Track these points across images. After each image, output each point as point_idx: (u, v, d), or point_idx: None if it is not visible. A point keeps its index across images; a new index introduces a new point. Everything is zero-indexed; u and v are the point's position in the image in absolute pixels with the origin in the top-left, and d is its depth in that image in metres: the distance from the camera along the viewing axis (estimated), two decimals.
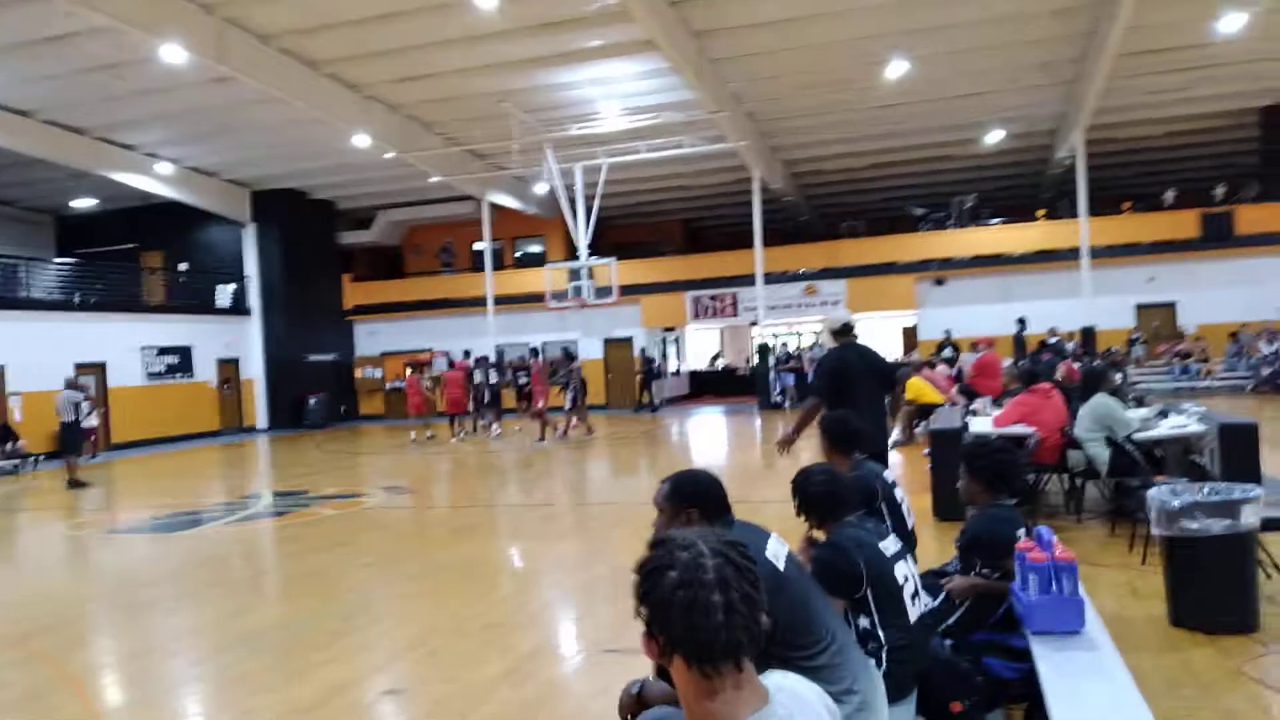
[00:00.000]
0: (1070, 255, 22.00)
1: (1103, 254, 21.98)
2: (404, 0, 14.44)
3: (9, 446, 17.88)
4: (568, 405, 19.04)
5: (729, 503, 2.88)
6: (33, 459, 18.19)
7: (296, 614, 6.71)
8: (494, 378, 20.78)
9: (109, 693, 5.39)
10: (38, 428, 18.39)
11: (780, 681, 1.57)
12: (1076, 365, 13.65)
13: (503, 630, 5.98)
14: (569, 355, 20.17)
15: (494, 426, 20.46)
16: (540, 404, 18.78)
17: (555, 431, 18.82)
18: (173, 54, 14.66)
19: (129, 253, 26.20)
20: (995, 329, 20.50)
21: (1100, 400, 7.51)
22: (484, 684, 4.89)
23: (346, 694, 4.94)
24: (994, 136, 22.45)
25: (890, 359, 7.99)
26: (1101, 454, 7.39)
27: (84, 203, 25.69)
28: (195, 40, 14.48)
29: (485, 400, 20.46)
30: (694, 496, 2.84)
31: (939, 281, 24.21)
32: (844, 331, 6.51)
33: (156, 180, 22.37)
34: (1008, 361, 14.83)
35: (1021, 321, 20.12)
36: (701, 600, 1.41)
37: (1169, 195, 23.71)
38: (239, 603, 7.21)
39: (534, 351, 19.18)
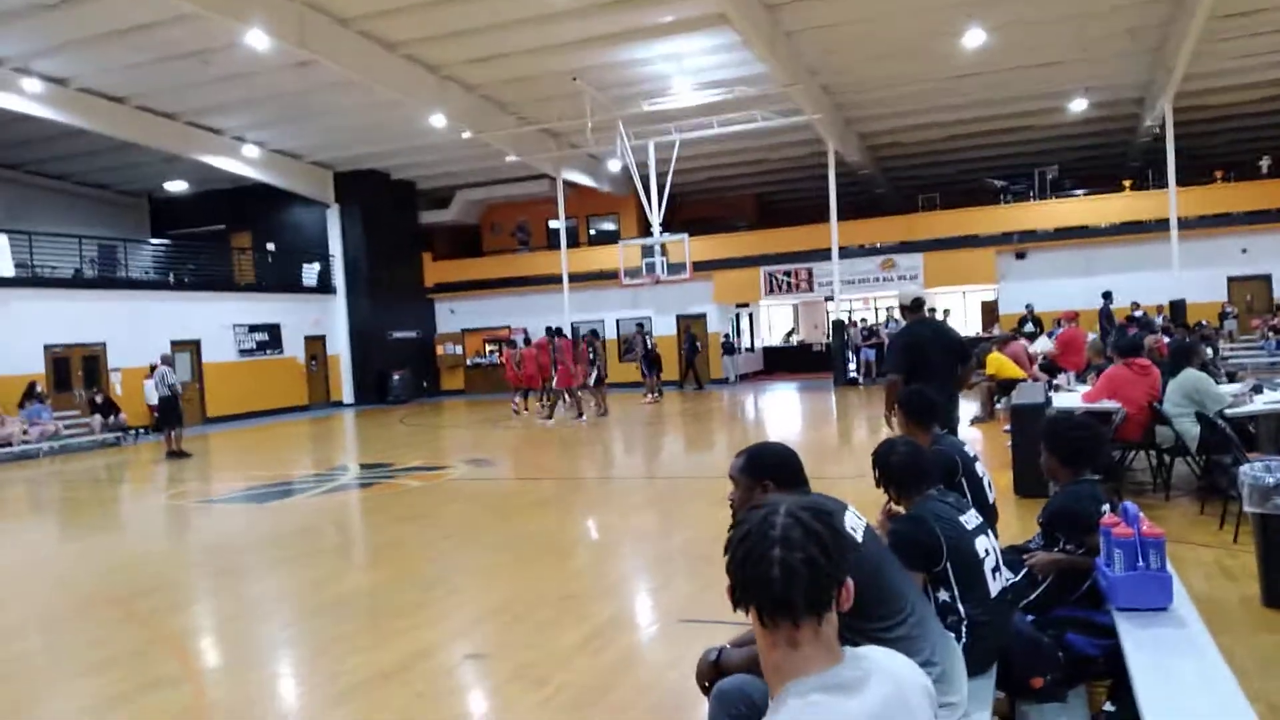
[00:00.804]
0: (1158, 227, 21.19)
1: (1193, 225, 21.15)
2: None
3: (111, 419, 18.77)
4: (591, 382, 18.97)
5: (805, 475, 2.89)
6: (134, 432, 19.07)
7: (381, 581, 6.95)
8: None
9: (205, 653, 5.65)
10: (138, 402, 19.25)
11: (866, 651, 1.59)
12: (1165, 340, 13.19)
13: (581, 600, 6.09)
14: (594, 334, 20.20)
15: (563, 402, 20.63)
16: (562, 381, 18.50)
17: (574, 409, 18.76)
18: (257, 39, 15.08)
19: (219, 234, 27.17)
20: (1079, 303, 19.91)
21: (1190, 374, 7.27)
22: (563, 651, 5.00)
23: (431, 658, 5.12)
24: (1077, 106, 21.68)
25: (965, 335, 7.87)
26: (1191, 430, 7.16)
27: (175, 186, 26.67)
28: (278, 25, 14.86)
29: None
30: (769, 469, 2.85)
31: (1020, 255, 23.60)
32: (915, 308, 6.49)
33: (244, 163, 23.10)
34: (1092, 336, 14.42)
35: (1107, 295, 19.50)
36: (757, 554, 1.48)
37: (1263, 163, 22.63)
38: (327, 570, 7.49)
39: (556, 331, 19.05)
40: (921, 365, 6.15)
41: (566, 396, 19.00)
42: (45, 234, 20.49)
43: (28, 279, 18.81)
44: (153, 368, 16.90)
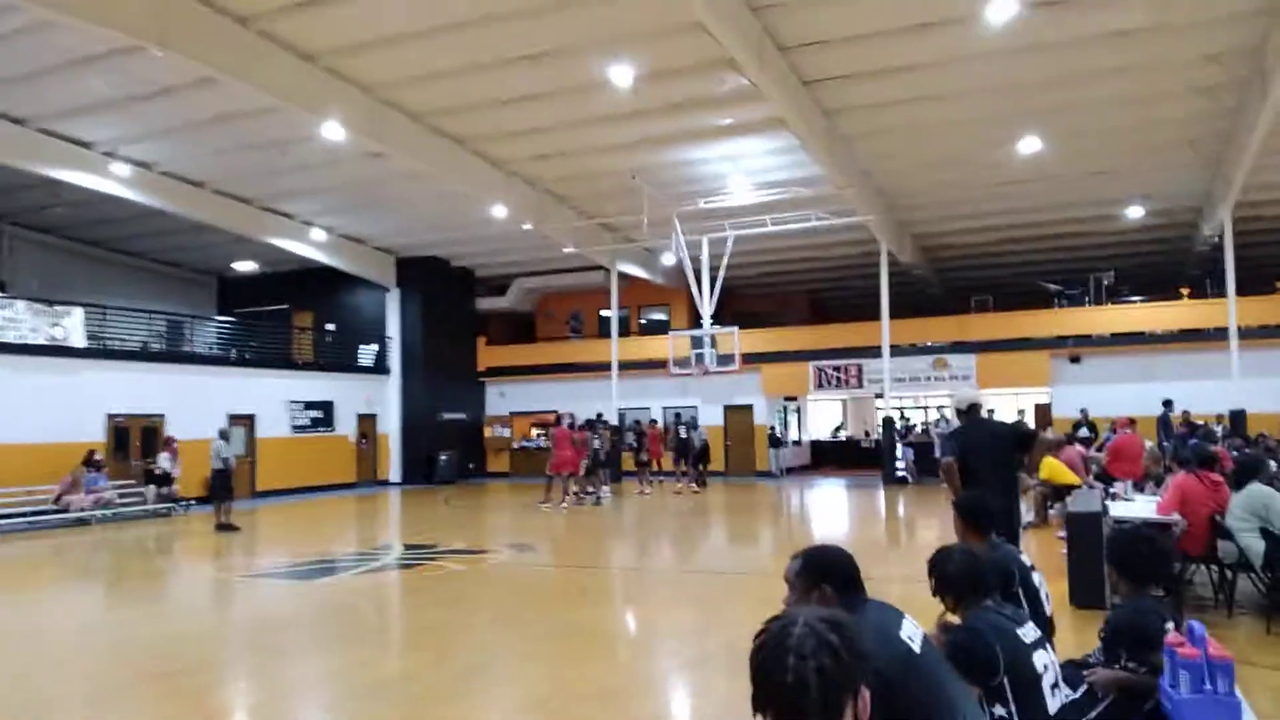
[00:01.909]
0: (1218, 335, 20.86)
1: (1254, 335, 20.78)
2: (545, 82, 15.11)
3: (164, 490, 19.12)
4: (581, 471, 19.45)
5: (861, 580, 2.86)
6: (185, 503, 19.38)
7: (423, 666, 6.91)
8: (597, 442, 20.74)
9: None
10: (192, 473, 19.62)
11: None
12: (1231, 451, 12.85)
13: (621, 697, 6.00)
14: (590, 423, 20.84)
15: (604, 490, 20.69)
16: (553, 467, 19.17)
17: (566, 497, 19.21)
18: (333, 131, 15.80)
19: (282, 313, 27.98)
20: (1134, 409, 19.52)
21: (1258, 489, 7.09)
22: None
23: None
24: (1134, 213, 21.67)
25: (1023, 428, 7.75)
26: (1256, 545, 6.95)
27: (244, 265, 27.67)
28: (353, 118, 15.57)
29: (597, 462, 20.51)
30: (827, 573, 2.81)
31: (1075, 359, 23.32)
32: (970, 411, 6.47)
33: (311, 246, 23.94)
34: (1150, 444, 14.09)
35: (1168, 403, 19.12)
36: (772, 662, 1.53)
37: None
38: (369, 652, 7.48)
39: (556, 420, 19.74)
40: (975, 466, 6.11)
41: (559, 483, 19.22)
42: (117, 308, 21.28)
43: (98, 350, 19.49)
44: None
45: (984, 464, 6.14)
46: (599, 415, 23.59)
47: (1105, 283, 24.44)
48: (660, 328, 28.40)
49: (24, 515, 16.88)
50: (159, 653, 7.45)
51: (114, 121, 16.76)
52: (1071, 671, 3.73)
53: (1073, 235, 23.87)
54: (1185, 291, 23.55)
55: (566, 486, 19.40)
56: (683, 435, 22.73)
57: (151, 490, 18.97)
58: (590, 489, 20.31)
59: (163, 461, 19.18)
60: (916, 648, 2.64)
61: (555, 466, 19.13)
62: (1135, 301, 24.03)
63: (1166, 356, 22.24)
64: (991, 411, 22.85)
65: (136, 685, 6.55)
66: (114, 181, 18.58)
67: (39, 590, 11.35)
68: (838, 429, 33.39)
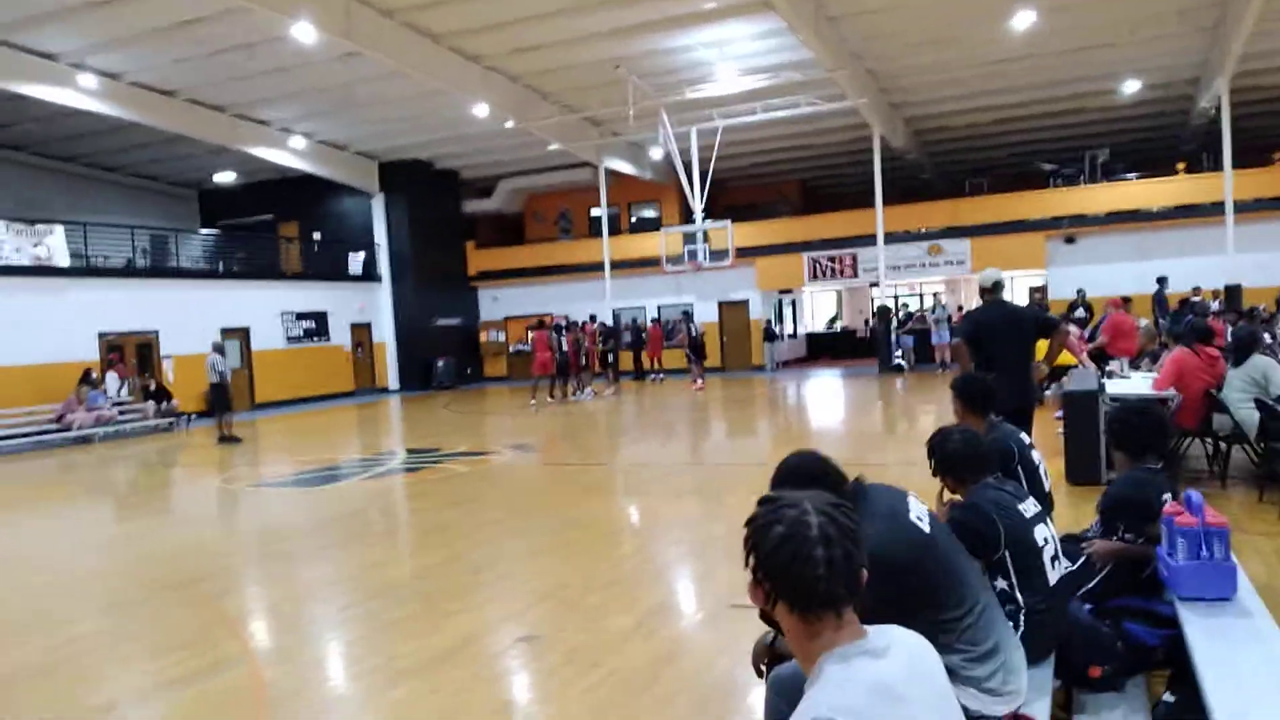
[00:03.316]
0: (1213, 210, 20.68)
1: (1249, 208, 20.61)
2: None
3: (164, 405, 19.19)
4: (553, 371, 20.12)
5: (843, 474, 2.79)
6: (186, 417, 19.49)
7: (433, 565, 7.04)
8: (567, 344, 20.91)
9: (263, 636, 5.77)
10: (190, 388, 19.67)
11: (886, 628, 1.71)
12: (1225, 325, 12.89)
13: (628, 586, 6.14)
14: (559, 326, 21.07)
15: (587, 390, 21.03)
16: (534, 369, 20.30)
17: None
18: (303, 32, 15.25)
19: (267, 224, 27.59)
20: (1131, 287, 19.51)
21: (1259, 360, 7.13)
22: (614, 636, 5.05)
23: (484, 641, 5.20)
24: (1129, 88, 21.18)
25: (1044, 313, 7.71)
26: (1251, 417, 7.02)
27: (224, 177, 27.10)
28: (324, 18, 15.00)
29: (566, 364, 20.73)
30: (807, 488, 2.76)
31: (1070, 239, 23.18)
32: (993, 290, 6.45)
33: (290, 154, 23.42)
34: (1144, 322, 14.11)
35: (1162, 280, 19.10)
36: (804, 554, 1.57)
37: None
38: (379, 554, 7.61)
39: (538, 323, 20.22)
40: (989, 346, 6.13)
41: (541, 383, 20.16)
42: (99, 224, 20.95)
43: (83, 269, 19.26)
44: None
45: (998, 346, 6.13)
46: (592, 316, 23.54)
47: (1100, 160, 24.11)
48: (651, 225, 28.09)
49: (27, 435, 16.99)
50: (172, 563, 7.58)
51: (76, 30, 16.14)
52: (1070, 545, 3.79)
53: (1068, 113, 23.40)
54: (1181, 167, 23.25)
55: (551, 387, 20.13)
56: (694, 333, 22.86)
57: (151, 406, 19.04)
58: (575, 389, 20.72)
59: (110, 383, 18.79)
60: (926, 528, 2.66)
61: (537, 368, 20.18)
62: (1130, 179, 23.73)
63: (1162, 234, 22.11)
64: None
65: (153, 595, 6.67)
66: (82, 94, 18.02)
67: (50, 508, 11.49)
68: (833, 320, 33.42)
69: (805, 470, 2.74)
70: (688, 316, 23.76)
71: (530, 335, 24.03)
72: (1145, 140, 25.91)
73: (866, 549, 2.48)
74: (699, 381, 22.20)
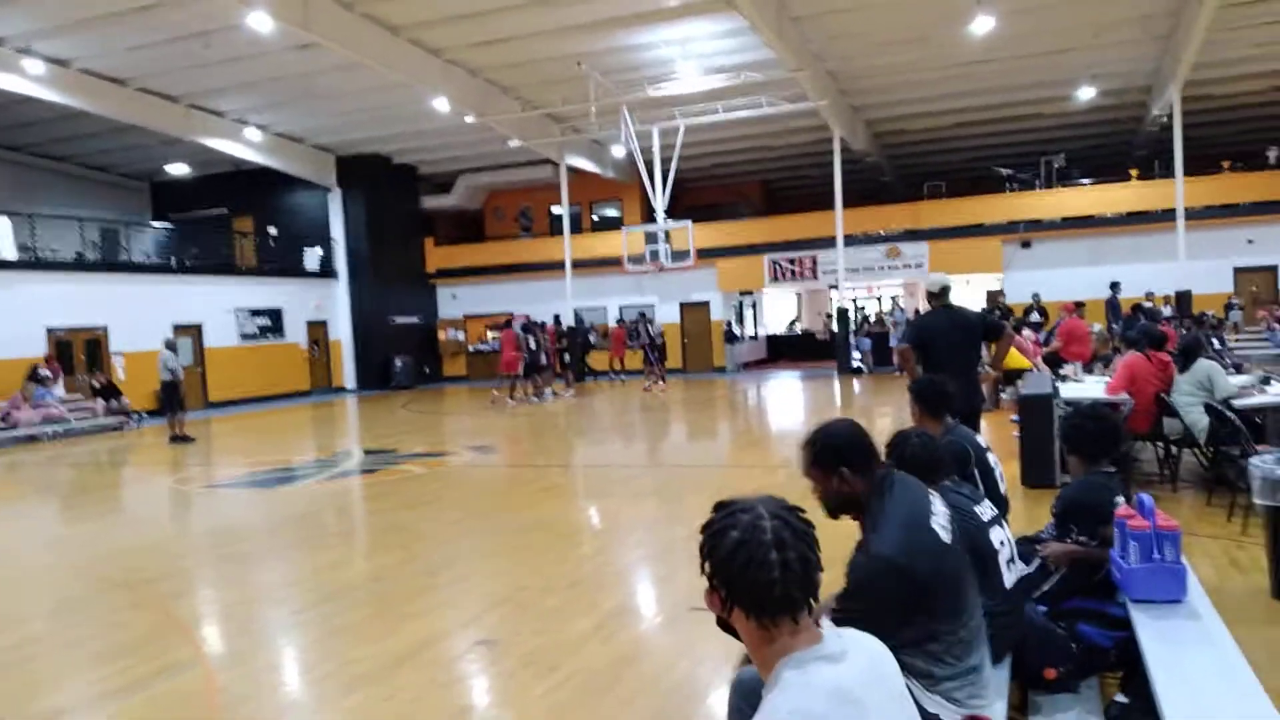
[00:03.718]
0: (1165, 217, 21.15)
1: (1199, 215, 21.10)
2: None
3: (114, 404, 18.77)
4: (520, 371, 20.15)
5: (876, 451, 2.75)
6: (137, 416, 19.08)
7: (389, 567, 6.95)
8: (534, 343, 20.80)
9: (216, 639, 5.65)
10: (141, 386, 19.26)
11: (841, 630, 1.72)
12: (1175, 330, 13.18)
13: (587, 588, 6.11)
14: (525, 326, 20.77)
15: (546, 391, 20.92)
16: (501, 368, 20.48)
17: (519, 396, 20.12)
18: (259, 21, 15.01)
19: (220, 218, 27.09)
20: (1085, 292, 19.90)
21: (1204, 364, 7.29)
22: (573, 638, 5.01)
23: (442, 644, 5.13)
24: (1085, 94, 21.60)
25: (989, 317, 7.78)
26: (1200, 421, 7.17)
27: (177, 169, 26.59)
28: (280, 7, 14.78)
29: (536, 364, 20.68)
30: (840, 456, 2.67)
31: (1025, 244, 23.56)
32: (940, 295, 6.48)
33: (245, 146, 23.03)
34: (1097, 327, 14.39)
35: (1115, 286, 19.49)
36: (758, 559, 1.57)
37: (1271, 154, 22.57)
38: (334, 556, 7.50)
39: (505, 323, 20.81)
40: (935, 351, 6.16)
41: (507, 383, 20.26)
42: (47, 216, 20.43)
43: (30, 262, 18.77)
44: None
45: (942, 350, 6.17)
46: (556, 317, 23.49)
47: (1056, 166, 24.53)
48: (613, 224, 28.04)
49: None
50: (123, 564, 7.41)
51: (24, 13, 15.71)
52: (1025, 547, 3.83)
53: (1025, 118, 23.79)
54: (1134, 173, 23.74)
55: (512, 388, 20.11)
56: (652, 334, 22.83)
57: (100, 404, 18.61)
58: (535, 390, 20.59)
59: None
60: (946, 536, 2.64)
61: (502, 367, 20.18)
62: (1085, 184, 24.18)
63: (1116, 239, 22.55)
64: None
65: (103, 595, 6.52)
66: (29, 80, 17.55)
67: None
68: (793, 322, 33.63)
69: (848, 439, 2.71)
70: (644, 317, 23.69)
71: (496, 334, 23.90)
72: (1099, 146, 26.41)
73: (884, 551, 2.48)
74: (661, 383, 22.19)
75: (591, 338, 25.53)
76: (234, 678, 4.78)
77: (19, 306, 18.13)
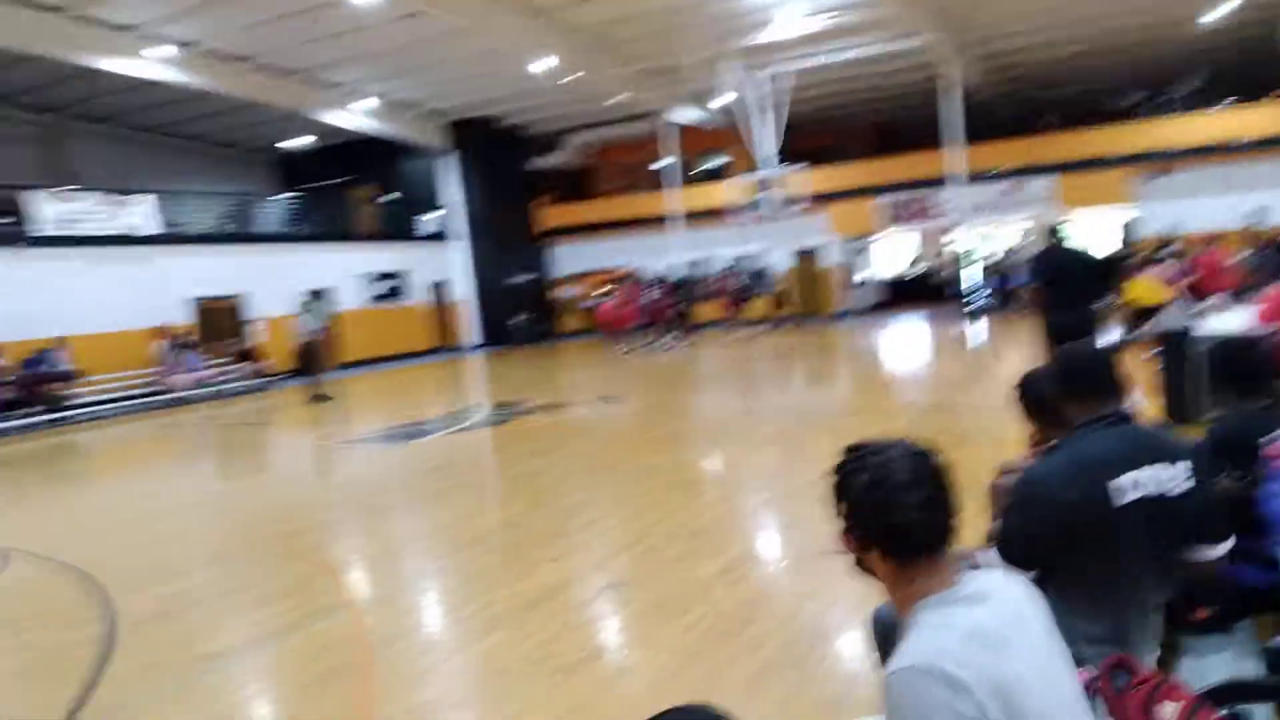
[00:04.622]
0: None
1: None
2: None
3: (256, 366, 19.86)
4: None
5: (1115, 383, 2.67)
6: (280, 377, 20.14)
7: (520, 515, 7.21)
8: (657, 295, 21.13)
9: (363, 585, 5.99)
10: (279, 350, 20.31)
11: (979, 573, 1.70)
12: None
13: (714, 534, 6.19)
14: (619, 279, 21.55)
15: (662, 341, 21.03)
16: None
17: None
18: None
19: (343, 186, 28.04)
20: (1225, 222, 18.64)
21: None
22: (702, 582, 5.11)
23: (574, 588, 5.31)
24: (1224, 7, 19.92)
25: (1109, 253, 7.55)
26: None
27: (300, 141, 27.57)
28: None
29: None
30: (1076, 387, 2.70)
31: (1161, 173, 22.14)
32: (1054, 233, 6.36)
33: (359, 116, 23.65)
34: (1243, 254, 13.51)
35: (1259, 213, 18.18)
36: (895, 498, 1.59)
37: None
38: (470, 505, 7.81)
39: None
40: (1060, 287, 6.05)
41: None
42: (184, 192, 21.57)
43: (174, 235, 19.92)
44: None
45: (1068, 288, 6.04)
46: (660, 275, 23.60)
47: (1189, 90, 22.86)
48: (719, 175, 27.71)
49: (132, 399, 17.75)
50: (275, 516, 7.91)
51: (147, 2, 16.48)
52: None
53: (1153, 42, 22.18)
54: (1276, 94, 21.90)
55: (635, 339, 20.59)
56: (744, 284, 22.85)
57: (247, 367, 19.72)
58: (649, 340, 20.92)
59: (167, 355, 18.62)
60: (1122, 498, 2.42)
61: (623, 320, 20.84)
62: (1220, 108, 22.48)
63: (1257, 165, 20.98)
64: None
65: (257, 546, 6.98)
66: (158, 65, 18.42)
67: (159, 465, 12.06)
68: (914, 263, 32.68)
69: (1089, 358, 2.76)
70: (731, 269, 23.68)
71: (613, 288, 24.16)
72: (1238, 67, 24.46)
73: (1036, 473, 2.50)
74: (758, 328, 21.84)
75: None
76: (380, 619, 5.07)
77: (164, 278, 19.30)
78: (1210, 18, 20.01)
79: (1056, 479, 2.45)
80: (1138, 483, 2.43)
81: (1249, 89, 22.84)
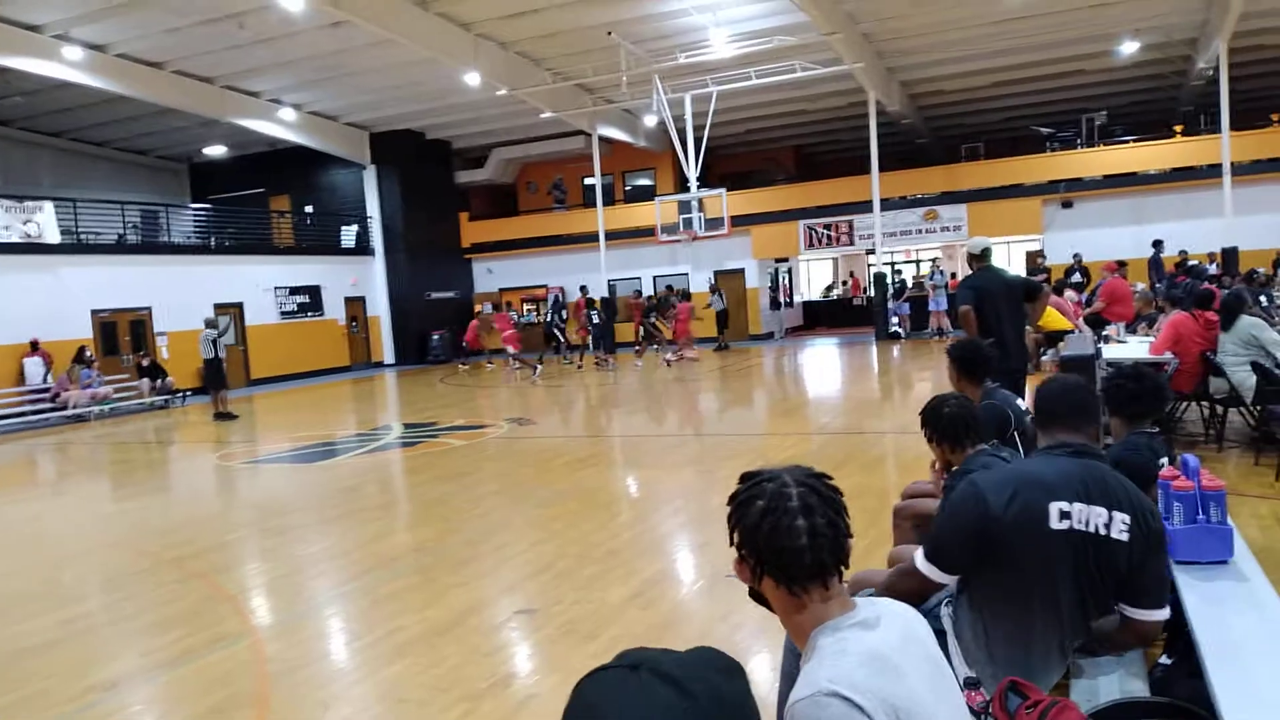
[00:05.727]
0: (1210, 173, 20.58)
1: (1246, 170, 20.49)
2: None
3: (159, 383, 19.14)
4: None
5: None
6: (181, 394, 19.45)
7: (430, 539, 7.05)
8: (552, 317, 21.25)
9: (264, 610, 5.78)
10: (184, 365, 19.62)
11: (873, 599, 1.72)
12: (1220, 289, 12.86)
13: (625, 556, 6.15)
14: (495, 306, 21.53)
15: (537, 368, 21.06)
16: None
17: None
18: (291, 0, 15.04)
19: (258, 197, 27.36)
20: (1129, 252, 19.48)
21: (1247, 320, 7.13)
22: (612, 606, 5.06)
23: (483, 613, 5.20)
24: (1127, 48, 20.96)
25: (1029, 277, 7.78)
26: (1247, 380, 7.02)
27: (214, 150, 26.84)
28: None
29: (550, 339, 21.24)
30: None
31: (1067, 204, 23.08)
32: (982, 257, 6.51)
33: (280, 125, 23.18)
34: (1140, 286, 14.10)
35: (1158, 244, 19.04)
36: (785, 526, 1.57)
37: None
38: (377, 528, 7.61)
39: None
40: (988, 313, 6.19)
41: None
42: (88, 200, 20.76)
43: (74, 246, 19.11)
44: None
45: (994, 311, 6.21)
46: (582, 288, 23.45)
47: (1097, 124, 23.96)
48: (646, 194, 27.90)
49: (22, 415, 16.95)
50: (171, 539, 7.58)
51: (61, 1, 15.89)
52: None
53: (1065, 76, 23.20)
54: (1178, 129, 23.11)
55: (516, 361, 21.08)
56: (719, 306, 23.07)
57: (146, 383, 18.99)
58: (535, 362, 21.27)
59: (32, 368, 17.63)
60: (1057, 524, 2.48)
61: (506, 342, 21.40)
62: (1127, 142, 23.59)
63: (1159, 197, 22.02)
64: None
65: (152, 571, 6.68)
66: (67, 66, 17.76)
67: (49, 485, 11.49)
68: (830, 289, 33.34)
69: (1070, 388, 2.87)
70: (670, 289, 23.75)
71: (488, 313, 24.34)
72: (1143, 103, 25.74)
73: (979, 482, 2.51)
74: (683, 353, 21.60)
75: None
76: (282, 647, 4.89)
77: (65, 290, 18.49)
78: (1125, 51, 20.94)
79: (999, 489, 2.49)
80: (1074, 514, 2.48)
81: (1154, 125, 24.02)
